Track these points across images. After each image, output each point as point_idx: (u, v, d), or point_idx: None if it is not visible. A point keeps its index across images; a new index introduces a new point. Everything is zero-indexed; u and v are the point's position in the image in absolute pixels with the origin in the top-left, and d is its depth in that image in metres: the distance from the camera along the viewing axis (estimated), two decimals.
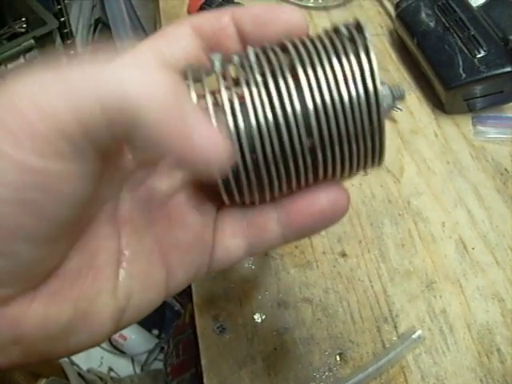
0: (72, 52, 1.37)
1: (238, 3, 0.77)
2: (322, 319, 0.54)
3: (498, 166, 0.65)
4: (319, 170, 0.27)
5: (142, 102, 0.19)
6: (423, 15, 0.71)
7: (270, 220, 0.28)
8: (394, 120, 0.69)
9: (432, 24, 0.69)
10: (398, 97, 0.28)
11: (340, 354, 0.52)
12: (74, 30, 1.46)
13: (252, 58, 0.26)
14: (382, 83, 0.26)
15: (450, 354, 0.52)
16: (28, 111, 0.19)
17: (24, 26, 1.33)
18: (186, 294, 0.55)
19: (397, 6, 0.75)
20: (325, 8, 0.83)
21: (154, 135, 0.20)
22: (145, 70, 0.20)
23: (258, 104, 0.25)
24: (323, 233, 0.59)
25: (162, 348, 1.39)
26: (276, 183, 0.26)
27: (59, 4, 1.32)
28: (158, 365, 1.38)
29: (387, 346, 0.52)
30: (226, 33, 0.28)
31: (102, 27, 1.74)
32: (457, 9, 0.69)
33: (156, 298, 0.27)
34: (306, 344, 0.52)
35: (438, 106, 0.71)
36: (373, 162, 0.27)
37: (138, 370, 1.44)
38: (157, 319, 1.48)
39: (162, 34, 0.28)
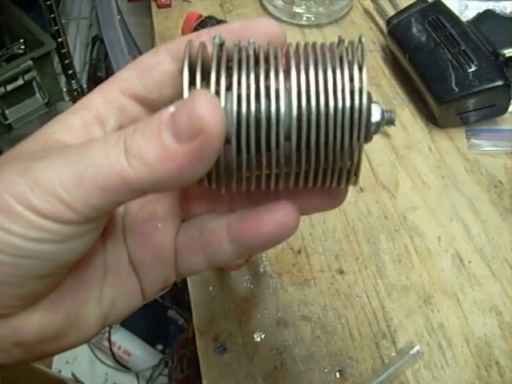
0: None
1: None
2: (321, 337, 0.54)
3: (492, 178, 0.66)
4: (290, 176, 0.27)
5: (139, 183, 0.22)
6: (414, 31, 0.72)
7: (222, 241, 0.29)
8: (387, 135, 0.70)
9: (423, 39, 0.70)
10: (387, 119, 0.27)
11: (339, 371, 0.52)
12: (71, 49, 1.47)
13: (251, 51, 0.26)
14: (375, 102, 0.26)
15: (449, 368, 0.52)
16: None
17: (22, 47, 1.35)
18: (189, 309, 0.56)
19: (388, 23, 0.76)
20: (317, 25, 0.84)
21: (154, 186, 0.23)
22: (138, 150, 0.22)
23: (244, 95, 0.25)
24: (320, 250, 0.60)
25: (167, 363, 1.39)
26: (244, 178, 0.27)
27: (56, 25, 1.33)
28: (163, 380, 1.38)
29: (386, 361, 0.53)
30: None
31: (99, 45, 1.75)
32: (447, 24, 0.70)
33: (135, 303, 0.31)
34: (306, 362, 0.53)
35: (432, 120, 0.71)
36: (347, 179, 0.27)
37: None
38: (161, 334, 1.48)
39: (137, 65, 0.29)
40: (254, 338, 0.54)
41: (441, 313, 0.55)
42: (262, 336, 0.54)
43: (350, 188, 0.30)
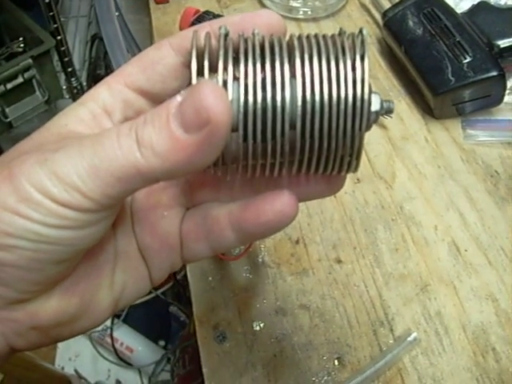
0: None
1: None
2: (320, 325, 0.55)
3: (488, 168, 0.66)
4: (294, 163, 0.28)
5: (152, 172, 0.23)
6: (410, 23, 0.72)
7: (225, 228, 0.31)
8: (384, 126, 0.70)
9: (418, 32, 0.71)
10: (386, 109, 0.28)
11: (338, 359, 0.53)
12: (70, 47, 1.48)
13: (257, 41, 0.27)
14: (374, 93, 0.27)
15: (446, 354, 0.53)
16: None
17: (22, 45, 1.36)
18: (190, 305, 0.57)
19: (384, 15, 0.76)
20: (314, 19, 0.85)
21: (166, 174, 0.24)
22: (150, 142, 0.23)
23: (251, 84, 0.25)
24: (318, 240, 0.60)
25: (169, 359, 1.40)
26: (249, 165, 0.28)
27: (55, 22, 1.34)
28: (166, 376, 1.39)
29: (384, 348, 0.53)
30: None
31: (98, 43, 1.75)
32: (442, 16, 0.70)
33: (144, 288, 0.32)
34: (305, 350, 0.53)
35: (428, 111, 0.72)
36: (348, 166, 0.28)
37: (145, 382, 1.45)
38: (163, 330, 1.48)
39: (141, 59, 0.30)
40: (253, 327, 0.55)
41: (438, 300, 0.56)
42: (261, 325, 0.55)
43: (348, 179, 0.31)
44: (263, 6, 0.88)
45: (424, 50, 0.69)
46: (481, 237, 0.60)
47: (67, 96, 1.52)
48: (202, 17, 0.78)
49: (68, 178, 0.23)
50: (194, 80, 0.26)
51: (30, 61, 1.27)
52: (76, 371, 1.42)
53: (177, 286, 1.36)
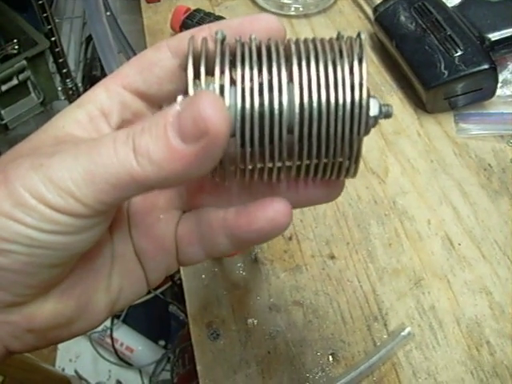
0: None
1: (219, 17, 0.78)
2: (313, 321, 0.55)
3: (481, 161, 0.66)
4: (292, 168, 0.28)
5: (147, 181, 0.23)
6: (401, 18, 0.72)
7: (218, 234, 0.31)
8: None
9: (410, 26, 0.71)
10: (385, 113, 0.28)
11: (332, 354, 0.53)
12: (65, 48, 1.47)
13: (254, 46, 0.27)
14: (373, 97, 0.27)
15: (441, 348, 0.53)
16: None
17: (16, 47, 1.35)
18: (185, 303, 0.57)
19: (375, 10, 0.76)
20: (306, 16, 0.85)
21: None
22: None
23: (248, 89, 0.25)
24: (311, 236, 0.60)
25: (169, 358, 1.40)
26: (247, 170, 0.28)
27: (49, 24, 1.34)
28: (166, 375, 1.39)
29: (378, 344, 0.53)
30: None
31: (93, 44, 1.75)
32: (433, 10, 0.70)
33: (141, 290, 0.33)
34: (299, 346, 0.53)
35: (420, 106, 0.72)
36: (347, 171, 0.28)
37: (146, 382, 1.45)
38: (163, 330, 1.49)
39: (139, 60, 0.30)
40: (247, 324, 0.55)
41: (431, 295, 0.56)
42: (255, 322, 0.55)
43: None
44: (255, 3, 0.88)
45: (415, 45, 0.69)
46: (474, 230, 0.60)
47: (62, 97, 1.52)
48: (193, 15, 0.78)
49: (62, 184, 0.23)
50: (191, 86, 0.26)
51: (25, 62, 1.27)
52: (76, 372, 1.42)
53: (176, 286, 1.36)
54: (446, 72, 0.66)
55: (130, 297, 0.32)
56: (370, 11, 0.81)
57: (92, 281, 0.30)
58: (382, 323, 0.54)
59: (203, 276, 0.58)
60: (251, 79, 0.26)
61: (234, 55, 0.27)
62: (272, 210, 0.29)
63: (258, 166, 0.28)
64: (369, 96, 0.26)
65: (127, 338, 1.45)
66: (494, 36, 0.67)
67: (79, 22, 1.70)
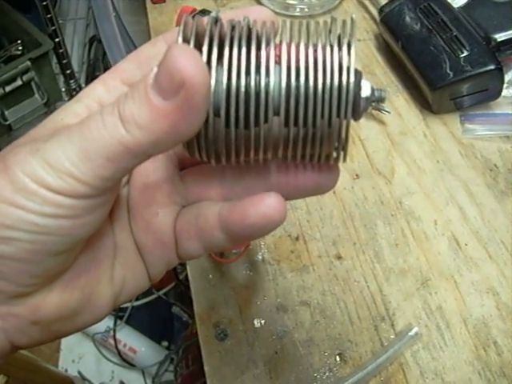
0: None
1: None
2: (321, 321, 0.55)
3: (487, 162, 0.66)
4: (278, 149, 0.27)
5: (139, 147, 0.23)
6: (406, 19, 0.72)
7: (214, 228, 0.30)
8: (382, 122, 0.70)
9: (415, 27, 0.71)
10: (377, 97, 0.28)
11: (339, 355, 0.53)
12: (69, 49, 1.48)
13: (244, 26, 0.27)
14: (365, 81, 0.26)
15: (448, 348, 0.53)
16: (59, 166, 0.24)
17: (20, 48, 1.36)
18: (192, 304, 0.57)
19: (380, 11, 0.76)
20: (311, 16, 0.85)
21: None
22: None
23: (235, 68, 0.25)
24: (318, 237, 0.60)
25: (172, 359, 1.40)
26: (233, 151, 0.27)
27: (53, 25, 1.34)
28: (169, 376, 1.39)
29: (385, 344, 0.53)
30: None
31: (96, 45, 1.76)
32: (438, 11, 0.70)
33: (143, 284, 0.32)
34: (306, 346, 0.53)
35: (426, 106, 0.72)
36: (337, 156, 0.28)
37: (149, 383, 1.45)
38: (166, 331, 1.48)
39: (136, 55, 0.30)
40: (254, 324, 0.55)
41: (438, 295, 0.56)
42: (262, 322, 0.55)
43: (347, 174, 0.30)
44: (260, 3, 0.88)
45: (421, 45, 0.69)
46: (481, 231, 0.60)
47: (66, 98, 1.52)
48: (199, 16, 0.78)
49: (60, 165, 0.23)
50: None
51: (29, 63, 1.27)
52: (80, 373, 1.42)
53: (179, 287, 1.36)
54: (452, 73, 0.66)
55: (132, 290, 0.32)
56: (375, 12, 0.81)
57: (95, 271, 0.30)
58: (389, 323, 0.54)
59: (210, 276, 0.58)
60: (238, 58, 0.25)
61: (224, 35, 0.26)
62: (263, 205, 0.28)
63: (244, 149, 0.27)
64: (359, 78, 0.26)
65: (130, 339, 1.45)
66: (500, 37, 0.67)
67: (83, 23, 1.71)
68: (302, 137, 0.26)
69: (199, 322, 0.55)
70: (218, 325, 0.55)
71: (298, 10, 0.85)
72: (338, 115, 0.25)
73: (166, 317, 1.48)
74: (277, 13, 0.85)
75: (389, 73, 0.77)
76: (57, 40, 1.37)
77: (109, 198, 0.27)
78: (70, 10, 1.74)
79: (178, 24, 0.81)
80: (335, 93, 0.25)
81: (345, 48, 0.25)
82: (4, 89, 1.25)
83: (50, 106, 1.41)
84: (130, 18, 1.41)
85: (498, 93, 0.69)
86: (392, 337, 0.54)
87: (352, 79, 0.25)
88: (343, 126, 0.26)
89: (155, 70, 0.23)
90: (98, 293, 0.30)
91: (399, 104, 0.73)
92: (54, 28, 1.35)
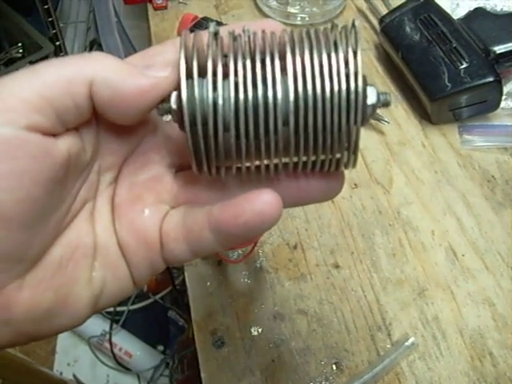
0: None
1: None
2: (318, 330, 0.55)
3: (485, 173, 0.67)
4: (288, 158, 0.27)
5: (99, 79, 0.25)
6: (407, 29, 0.73)
7: (203, 229, 0.29)
8: (381, 132, 0.71)
9: (415, 38, 0.71)
10: (383, 101, 0.27)
11: (336, 364, 0.53)
12: (69, 52, 1.48)
13: (247, 38, 0.26)
14: (370, 85, 0.26)
15: (444, 359, 0.53)
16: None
17: (20, 51, 1.36)
18: (188, 311, 0.57)
19: (381, 21, 0.77)
20: (312, 25, 0.85)
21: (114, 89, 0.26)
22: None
23: (241, 81, 0.25)
24: (316, 246, 0.61)
25: (168, 364, 1.40)
26: (244, 164, 0.27)
27: (54, 28, 1.34)
28: (164, 381, 1.39)
29: (382, 353, 0.53)
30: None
31: (97, 48, 1.76)
32: (438, 22, 0.71)
33: (127, 287, 0.31)
34: (303, 355, 0.54)
35: (425, 117, 0.72)
36: (346, 162, 0.28)
37: None
38: (161, 335, 1.48)
39: (145, 52, 0.30)
40: (251, 332, 0.55)
41: (435, 305, 0.56)
42: (259, 330, 0.55)
43: (345, 184, 0.30)
44: (261, 11, 0.88)
45: (421, 56, 0.70)
46: (478, 242, 0.61)
47: None
48: (201, 23, 0.79)
49: (10, 87, 0.24)
50: (183, 81, 0.25)
51: (29, 66, 1.27)
52: (75, 376, 1.42)
53: (175, 292, 1.36)
54: (451, 84, 0.67)
55: (114, 293, 0.30)
56: (375, 22, 0.82)
57: (72, 271, 0.28)
58: (386, 333, 0.55)
59: (208, 283, 0.58)
60: (244, 71, 0.25)
61: (227, 48, 0.26)
62: (260, 201, 0.27)
63: (255, 160, 0.27)
64: (365, 84, 0.26)
65: (126, 343, 1.45)
66: (500, 49, 0.68)
67: (83, 27, 1.71)
68: (311, 145, 0.26)
69: (196, 329, 0.55)
70: (216, 332, 0.55)
71: (298, 18, 0.85)
72: (348, 121, 0.25)
73: (161, 321, 1.48)
74: (277, 21, 0.86)
75: (388, 83, 0.77)
76: (57, 43, 1.37)
77: (53, 150, 0.25)
78: (71, 14, 1.75)
79: (179, 31, 0.81)
80: (344, 99, 0.25)
81: (351, 53, 0.25)
82: None
83: None
84: (130, 22, 1.42)
85: (496, 104, 0.70)
86: (388, 346, 0.54)
87: (360, 84, 0.25)
88: (353, 131, 0.26)
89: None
90: (74, 294, 0.28)
91: (398, 114, 0.73)
92: (54, 31, 1.35)
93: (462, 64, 0.67)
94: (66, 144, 0.26)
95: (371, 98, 0.26)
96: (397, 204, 0.64)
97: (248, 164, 0.28)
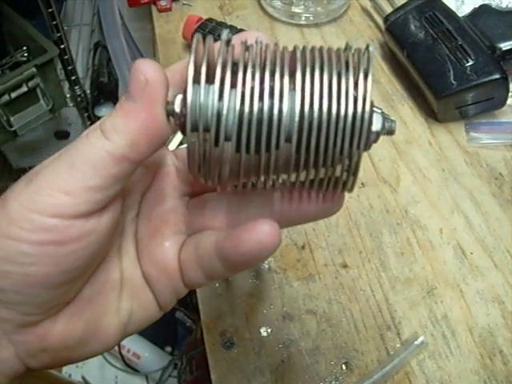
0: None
1: (231, 26, 0.79)
2: (327, 330, 0.55)
3: (492, 170, 0.66)
4: (287, 175, 0.27)
5: (120, 149, 0.26)
6: (411, 27, 0.73)
7: (212, 257, 0.31)
8: None
9: (420, 36, 0.71)
10: (387, 129, 0.27)
11: (345, 363, 0.53)
12: (74, 55, 1.48)
13: (258, 50, 0.26)
14: (376, 111, 0.26)
15: (454, 357, 0.53)
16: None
17: (25, 54, 1.36)
18: (197, 311, 0.57)
19: (386, 20, 0.77)
20: (316, 25, 0.85)
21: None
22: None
23: (248, 93, 0.25)
24: (324, 245, 0.60)
25: (176, 365, 1.40)
26: (241, 176, 0.27)
27: (58, 31, 1.35)
28: (173, 382, 1.39)
29: (391, 353, 0.53)
30: None
31: (101, 51, 1.77)
32: (444, 20, 0.71)
33: (153, 313, 0.33)
34: (312, 355, 0.53)
35: (431, 115, 0.72)
36: (344, 186, 0.28)
37: None
38: (169, 336, 1.48)
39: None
40: (260, 333, 0.55)
41: (444, 304, 0.56)
42: (269, 330, 0.55)
43: None
44: (265, 12, 0.88)
45: (426, 54, 0.70)
46: (486, 239, 0.60)
47: (71, 104, 1.53)
48: (205, 24, 0.79)
49: (50, 182, 0.25)
50: (190, 86, 0.25)
51: (34, 70, 1.28)
52: (83, 378, 1.42)
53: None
54: (457, 82, 0.66)
55: (141, 319, 0.33)
56: (380, 20, 0.82)
57: (101, 304, 0.31)
58: (395, 332, 0.55)
59: (217, 285, 0.58)
60: (252, 83, 0.25)
61: (237, 58, 0.26)
62: (258, 232, 0.28)
63: (253, 174, 0.27)
64: (372, 110, 0.25)
65: (134, 345, 1.45)
66: (505, 46, 0.67)
67: (87, 30, 1.72)
68: (311, 164, 0.26)
69: (206, 330, 0.55)
70: (225, 333, 0.55)
71: (303, 18, 0.85)
72: (351, 145, 0.25)
73: (169, 322, 1.48)
74: (282, 22, 0.86)
75: (394, 81, 0.77)
76: (62, 46, 1.37)
77: (96, 227, 0.27)
78: (75, 17, 1.75)
79: (184, 33, 0.81)
80: (349, 124, 0.25)
81: (361, 78, 0.25)
82: (10, 95, 1.26)
83: (54, 112, 1.42)
84: (135, 24, 1.42)
85: (503, 101, 0.69)
86: (398, 346, 0.54)
87: (367, 109, 0.25)
88: (355, 155, 0.26)
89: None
90: (104, 324, 0.31)
91: (404, 113, 0.73)
92: (59, 34, 1.35)
93: (467, 61, 0.67)
94: (106, 217, 0.28)
95: (376, 125, 0.26)
96: (404, 203, 0.64)
97: (245, 176, 0.27)
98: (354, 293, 0.57)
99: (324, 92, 0.25)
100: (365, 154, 0.26)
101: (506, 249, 0.59)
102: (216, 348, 0.54)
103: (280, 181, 0.28)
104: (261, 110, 0.25)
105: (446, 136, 0.70)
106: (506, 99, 0.69)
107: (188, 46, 0.84)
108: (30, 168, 0.27)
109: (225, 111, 0.25)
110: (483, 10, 0.72)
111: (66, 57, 1.41)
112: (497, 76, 0.66)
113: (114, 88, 1.70)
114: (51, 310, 0.28)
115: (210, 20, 0.80)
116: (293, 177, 0.27)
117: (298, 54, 0.26)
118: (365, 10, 0.88)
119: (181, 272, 0.32)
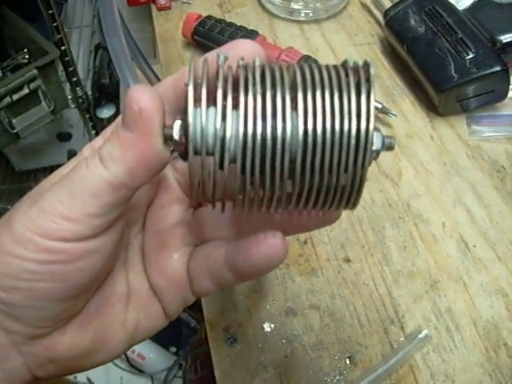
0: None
1: (230, 23, 0.79)
2: (330, 324, 0.55)
3: (494, 163, 0.66)
4: (292, 198, 0.27)
5: (117, 178, 0.26)
6: (411, 22, 0.72)
7: (222, 267, 0.32)
8: (389, 125, 0.71)
9: (420, 30, 0.71)
10: (387, 146, 0.27)
11: (349, 358, 0.53)
12: (74, 56, 1.49)
13: (258, 70, 0.26)
14: (376, 129, 0.26)
15: (458, 351, 0.53)
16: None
17: (26, 56, 1.37)
18: (200, 309, 0.57)
19: (385, 15, 0.77)
20: (316, 21, 0.85)
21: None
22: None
23: (251, 115, 0.25)
24: (326, 240, 0.60)
25: (181, 365, 1.40)
26: (247, 198, 0.27)
27: (59, 33, 1.35)
28: (178, 382, 1.39)
29: (395, 346, 0.53)
30: None
31: (102, 52, 1.77)
32: (443, 13, 0.70)
33: (159, 322, 0.34)
34: (316, 350, 0.53)
35: (432, 108, 0.72)
36: (347, 203, 0.27)
37: None
38: (174, 337, 1.48)
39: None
40: (263, 328, 0.55)
41: (448, 297, 0.56)
42: (272, 326, 0.55)
43: None
44: (264, 9, 0.88)
45: (426, 48, 0.70)
46: (489, 232, 0.60)
47: (72, 105, 1.53)
48: (205, 22, 0.79)
49: (52, 208, 0.26)
50: (190, 110, 0.25)
51: (35, 72, 1.28)
52: (88, 379, 1.42)
53: None
54: (458, 75, 0.66)
55: (148, 329, 0.34)
56: (380, 15, 0.82)
57: (108, 316, 0.32)
58: (399, 326, 0.54)
59: None
60: (254, 105, 0.25)
61: (236, 79, 0.26)
62: (266, 245, 0.30)
63: (258, 193, 0.27)
64: (375, 128, 0.25)
65: (139, 345, 1.45)
66: (506, 38, 0.67)
67: (88, 31, 1.72)
68: (316, 183, 0.26)
69: (209, 326, 0.55)
70: (228, 329, 0.55)
71: (302, 14, 0.85)
72: (355, 163, 0.25)
73: (173, 323, 1.46)
74: (282, 18, 0.86)
75: (394, 76, 0.77)
76: (63, 48, 1.38)
77: (99, 246, 0.28)
78: (75, 18, 1.76)
79: (184, 31, 0.81)
80: (353, 141, 0.25)
81: (364, 95, 0.25)
82: (11, 97, 1.26)
83: (56, 114, 1.42)
84: (135, 25, 1.42)
85: (504, 94, 0.69)
86: (402, 339, 0.54)
87: (371, 127, 0.25)
88: (359, 173, 0.26)
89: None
90: (110, 334, 0.32)
91: (405, 107, 0.73)
92: (59, 36, 1.35)
93: (468, 54, 0.67)
94: (109, 236, 0.28)
95: (376, 144, 0.26)
96: (406, 197, 0.64)
97: (250, 196, 0.27)
98: (357, 287, 0.57)
99: (327, 111, 0.25)
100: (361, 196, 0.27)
101: (509, 241, 0.59)
102: (219, 344, 0.54)
103: (284, 199, 0.28)
104: (264, 131, 0.25)
105: (447, 130, 0.70)
106: (506, 92, 0.69)
107: (188, 44, 0.84)
108: (32, 170, 0.28)
109: (228, 134, 0.25)
110: (483, 2, 0.71)
111: (66, 58, 1.41)
112: (497, 68, 0.65)
113: (116, 89, 1.70)
114: (59, 322, 0.29)
115: (209, 17, 0.80)
116: (297, 196, 0.27)
117: (298, 73, 0.26)
118: (364, 6, 0.87)
119: (190, 281, 0.34)
